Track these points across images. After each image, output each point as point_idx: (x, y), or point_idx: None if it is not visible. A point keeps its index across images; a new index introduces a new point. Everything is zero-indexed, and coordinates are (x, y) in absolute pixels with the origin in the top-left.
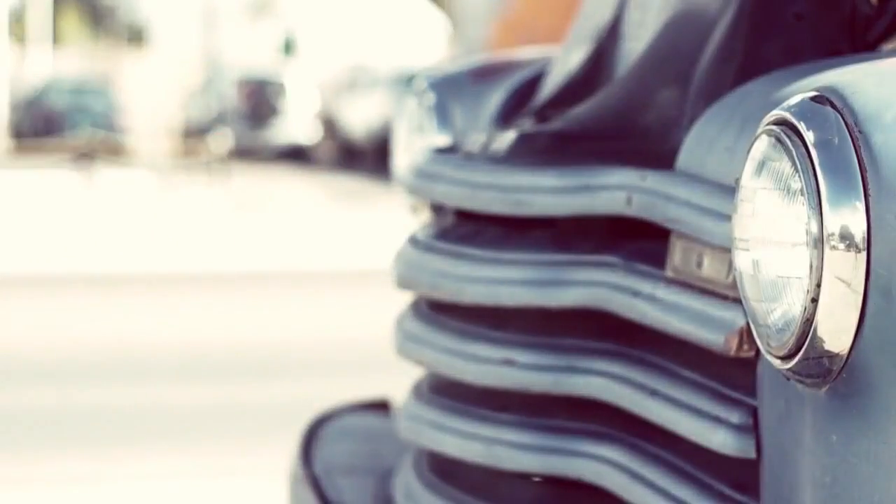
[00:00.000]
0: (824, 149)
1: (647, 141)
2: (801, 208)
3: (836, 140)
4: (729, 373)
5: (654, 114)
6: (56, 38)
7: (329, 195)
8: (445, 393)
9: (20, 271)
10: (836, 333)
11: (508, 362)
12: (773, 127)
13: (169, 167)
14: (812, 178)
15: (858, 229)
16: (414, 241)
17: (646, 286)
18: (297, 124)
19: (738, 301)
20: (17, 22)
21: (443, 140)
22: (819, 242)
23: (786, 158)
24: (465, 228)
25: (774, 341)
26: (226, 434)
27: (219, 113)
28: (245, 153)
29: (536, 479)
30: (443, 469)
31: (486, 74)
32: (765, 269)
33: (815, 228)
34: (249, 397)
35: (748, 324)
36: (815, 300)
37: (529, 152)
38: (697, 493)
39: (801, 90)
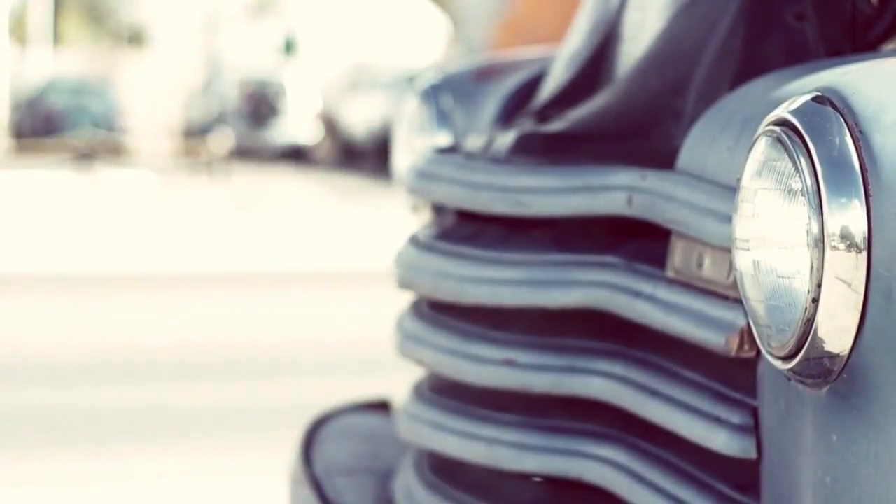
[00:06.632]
0: (825, 149)
1: (648, 141)
2: (801, 209)
3: (837, 140)
4: (730, 373)
5: (655, 114)
6: (56, 38)
7: (329, 195)
8: (446, 393)
9: (20, 271)
10: (836, 334)
11: (509, 362)
12: (774, 127)
13: (169, 167)
14: (813, 179)
15: (859, 230)
16: (415, 242)
17: (646, 286)
18: (297, 124)
19: (738, 301)
20: (18, 22)
21: (443, 140)
22: (819, 243)
23: (786, 159)
24: (466, 229)
25: (775, 341)
26: (226, 434)
27: (219, 113)
28: (245, 153)
29: (537, 480)
30: (443, 469)
31: (486, 75)
32: (765, 269)
33: (815, 229)
34: (250, 397)
35: (749, 324)
36: (815, 300)
37: (530, 152)
38: (698, 493)
39: (802, 90)
